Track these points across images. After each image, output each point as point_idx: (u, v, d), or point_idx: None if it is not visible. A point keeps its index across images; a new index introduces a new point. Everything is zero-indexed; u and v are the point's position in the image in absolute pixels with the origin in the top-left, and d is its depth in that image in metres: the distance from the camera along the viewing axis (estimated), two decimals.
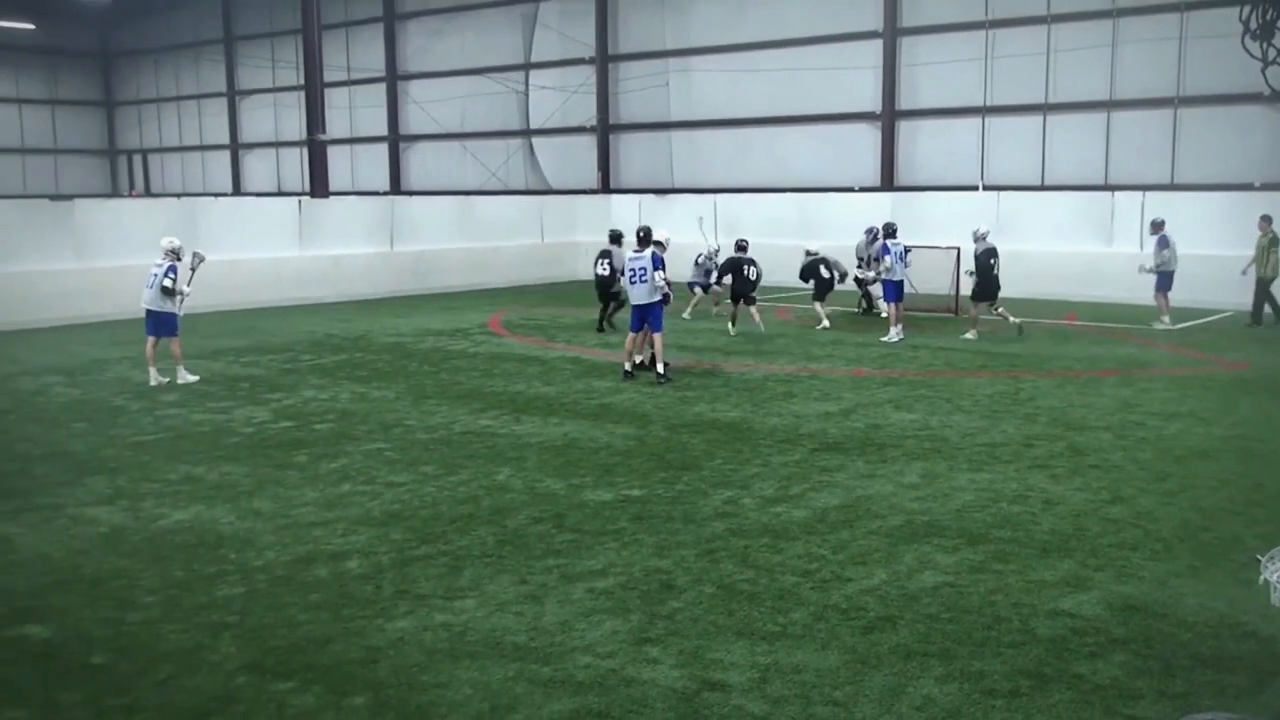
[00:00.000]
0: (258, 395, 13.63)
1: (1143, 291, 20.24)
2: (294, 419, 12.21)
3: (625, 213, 31.19)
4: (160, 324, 14.31)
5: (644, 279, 14.14)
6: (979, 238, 18.26)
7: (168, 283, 14.10)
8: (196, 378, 14.53)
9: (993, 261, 18.08)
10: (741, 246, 19.21)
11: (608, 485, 9.35)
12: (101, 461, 10.42)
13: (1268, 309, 19.55)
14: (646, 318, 14.33)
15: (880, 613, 6.52)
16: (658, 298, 14.19)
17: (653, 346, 14.48)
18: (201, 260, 14.96)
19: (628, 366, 14.51)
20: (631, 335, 14.57)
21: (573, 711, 5.33)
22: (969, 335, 18.07)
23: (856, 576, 7.11)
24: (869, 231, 21.47)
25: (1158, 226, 19.72)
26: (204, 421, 12.13)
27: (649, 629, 6.31)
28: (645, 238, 14.49)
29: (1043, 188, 27.97)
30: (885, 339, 17.78)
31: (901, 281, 18.08)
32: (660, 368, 14.22)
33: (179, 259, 14.32)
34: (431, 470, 9.91)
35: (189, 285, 14.51)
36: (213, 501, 9.02)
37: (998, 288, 18.23)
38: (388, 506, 8.81)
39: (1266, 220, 19.35)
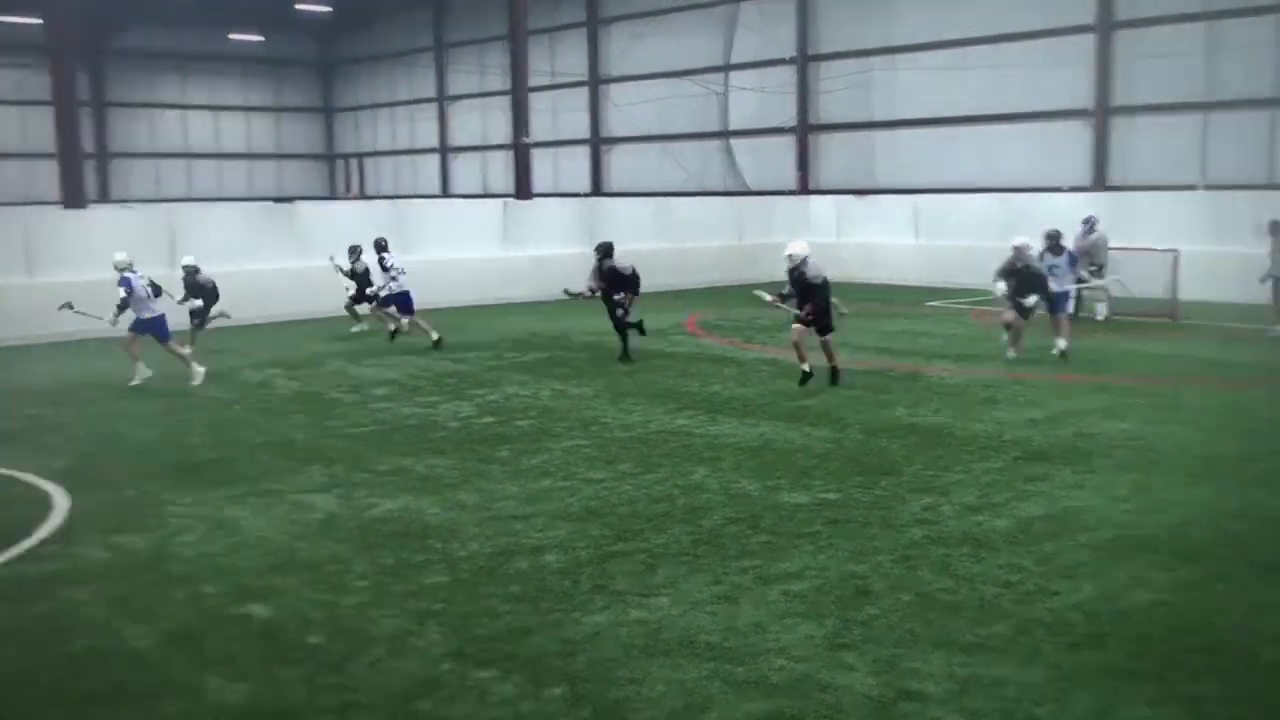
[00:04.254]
0: (463, 391, 14.08)
1: None
2: (497, 414, 12.56)
3: (823, 214, 30.95)
4: (406, 306, 18.41)
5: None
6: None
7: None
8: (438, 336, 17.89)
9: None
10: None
11: (804, 488, 9.28)
12: (319, 451, 10.96)
13: None
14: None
15: (1088, 629, 6.27)
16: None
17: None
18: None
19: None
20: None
21: (766, 713, 5.32)
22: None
23: (1063, 590, 6.86)
24: (1086, 222, 20.55)
25: None
26: (412, 415, 12.61)
27: (844, 634, 6.23)
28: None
29: (1271, 186, 26.32)
30: (1064, 347, 15.63)
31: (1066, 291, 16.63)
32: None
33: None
34: (628, 468, 10.03)
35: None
36: (420, 492, 9.36)
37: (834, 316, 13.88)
38: (586, 502, 8.96)
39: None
